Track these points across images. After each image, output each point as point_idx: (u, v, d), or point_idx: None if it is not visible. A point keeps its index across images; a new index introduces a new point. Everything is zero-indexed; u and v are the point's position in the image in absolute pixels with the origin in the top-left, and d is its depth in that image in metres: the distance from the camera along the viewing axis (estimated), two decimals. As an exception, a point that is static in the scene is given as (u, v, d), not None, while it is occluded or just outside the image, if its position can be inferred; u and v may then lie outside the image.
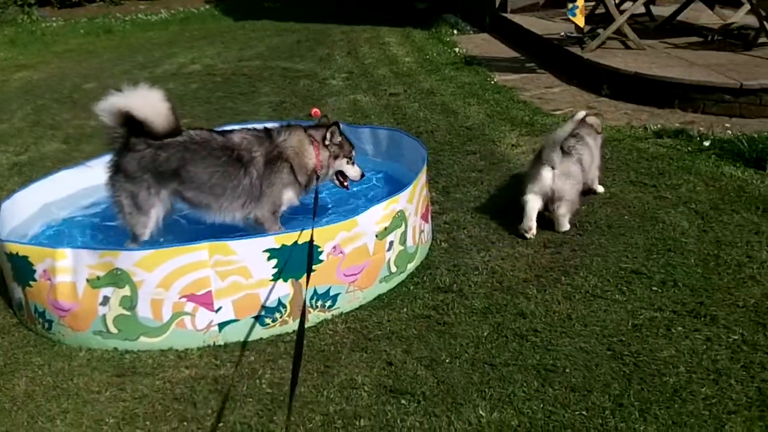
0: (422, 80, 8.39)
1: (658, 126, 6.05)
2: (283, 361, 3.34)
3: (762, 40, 7.39)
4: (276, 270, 3.50)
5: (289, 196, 4.08)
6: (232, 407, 3.06)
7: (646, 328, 3.42)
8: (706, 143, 5.56)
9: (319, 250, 3.55)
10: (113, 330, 3.51)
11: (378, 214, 3.75)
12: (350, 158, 4.28)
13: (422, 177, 4.18)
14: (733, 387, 3.02)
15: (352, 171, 4.30)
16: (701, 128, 5.90)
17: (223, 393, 3.16)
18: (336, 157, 4.18)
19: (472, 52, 9.57)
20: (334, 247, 3.59)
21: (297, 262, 3.49)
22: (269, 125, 4.35)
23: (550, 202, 4.29)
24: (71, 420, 3.06)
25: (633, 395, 2.98)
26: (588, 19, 8.57)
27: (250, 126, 4.40)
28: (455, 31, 11.18)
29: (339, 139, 4.17)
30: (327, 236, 3.57)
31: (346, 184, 4.34)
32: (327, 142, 4.14)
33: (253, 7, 16.87)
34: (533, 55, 9.11)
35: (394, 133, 5.13)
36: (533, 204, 4.28)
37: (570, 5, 7.54)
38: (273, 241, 3.51)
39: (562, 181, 4.24)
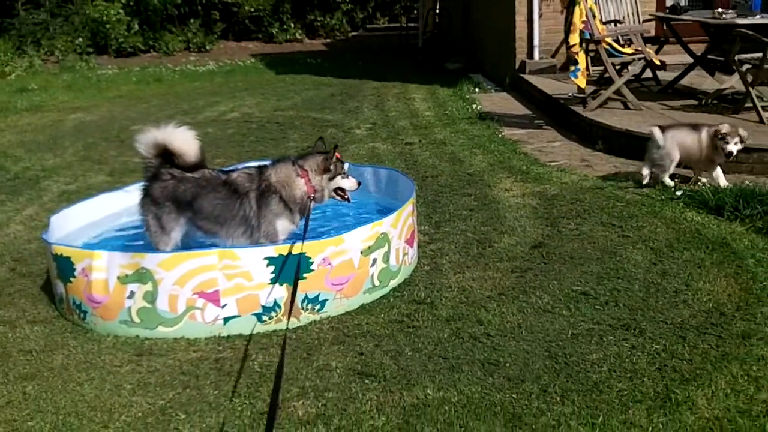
0: (437, 132, 9.14)
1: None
2: (273, 350, 4.01)
3: (748, 104, 7.97)
4: (273, 275, 4.20)
5: (284, 225, 4.64)
6: (227, 380, 3.73)
7: (582, 337, 4.02)
8: (678, 193, 6.16)
9: (310, 260, 4.24)
10: (136, 320, 4.22)
11: (364, 234, 4.44)
12: (344, 173, 4.81)
13: (408, 207, 4.86)
14: (645, 383, 3.59)
15: (349, 183, 4.81)
16: (677, 180, 6.48)
17: (222, 370, 3.83)
18: (332, 179, 4.74)
19: (488, 108, 10.31)
20: (324, 259, 4.28)
21: (291, 270, 4.17)
22: (265, 163, 4.97)
23: None
24: (96, 385, 3.75)
25: (558, 385, 3.58)
26: (595, 81, 9.30)
27: (250, 164, 5.12)
28: (477, 90, 11.95)
29: (333, 160, 4.74)
30: (318, 249, 4.26)
31: (346, 196, 4.84)
32: (330, 167, 4.71)
33: (295, 62, 17.92)
34: (543, 113, 9.81)
35: (392, 172, 5.84)
36: None
37: (572, 68, 8.25)
38: (272, 250, 4.21)
39: None
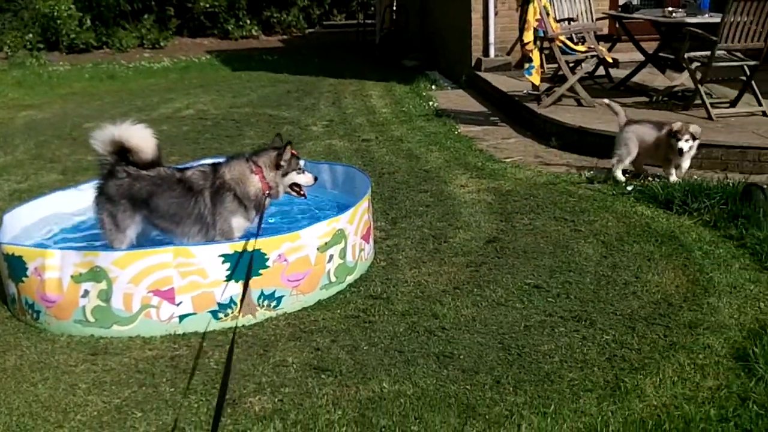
0: (394, 129, 9.19)
1: (592, 173, 6.78)
2: (229, 346, 4.01)
3: (697, 101, 8.16)
4: (229, 272, 4.20)
5: (239, 223, 4.63)
6: (183, 378, 3.73)
7: (535, 329, 4.10)
8: (629, 188, 6.30)
9: (265, 257, 4.25)
10: (91, 319, 4.18)
11: (320, 231, 4.47)
12: (300, 169, 4.78)
13: (364, 203, 4.89)
14: (595, 373, 3.69)
15: (305, 179, 4.79)
16: (627, 175, 6.62)
17: (178, 368, 3.83)
18: (286, 174, 4.70)
19: (444, 105, 10.39)
20: (279, 255, 4.29)
21: (246, 266, 4.18)
22: (219, 160, 4.93)
23: None
24: (50, 385, 3.71)
25: (511, 376, 3.65)
26: (549, 78, 9.43)
27: (205, 162, 5.10)
28: (434, 87, 12.03)
29: (288, 156, 4.71)
30: (273, 246, 4.27)
31: (302, 192, 4.81)
32: (282, 163, 4.67)
33: (251, 58, 17.80)
34: (498, 110, 9.92)
35: (348, 168, 5.87)
36: None
37: (527, 65, 8.37)
38: (227, 247, 4.21)
39: None
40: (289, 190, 4.79)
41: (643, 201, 6.00)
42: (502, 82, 10.57)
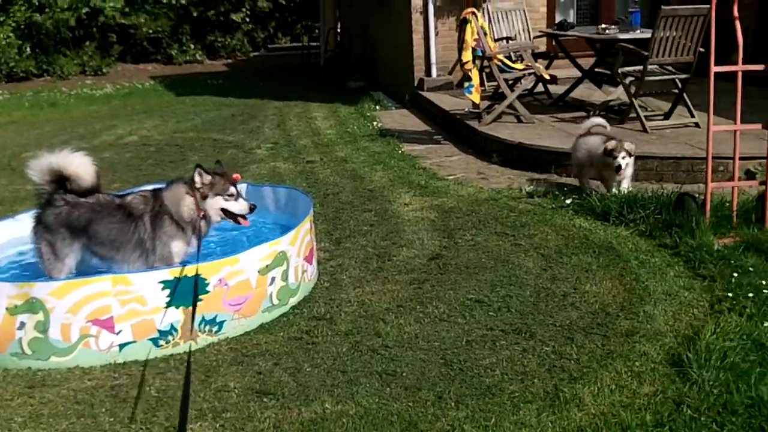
0: (339, 150, 9.23)
1: (532, 188, 6.90)
2: (170, 374, 3.98)
3: (632, 114, 8.38)
4: (169, 299, 4.17)
5: (179, 247, 4.59)
6: (123, 407, 3.69)
7: (476, 343, 4.15)
8: (568, 201, 6.43)
9: (205, 282, 4.22)
10: (28, 351, 4.10)
11: (261, 253, 4.46)
12: (228, 194, 4.65)
13: (305, 224, 4.90)
14: (535, 384, 3.74)
15: (236, 206, 4.67)
16: (566, 189, 6.75)
17: (118, 397, 3.78)
18: (205, 197, 4.60)
19: (388, 125, 10.48)
20: (220, 280, 4.28)
21: (186, 292, 4.15)
22: (160, 185, 4.89)
23: None
24: (-15, 420, 3.64)
25: (453, 391, 3.69)
26: (490, 96, 9.59)
27: (145, 188, 5.05)
28: (378, 107, 12.13)
29: (209, 179, 4.60)
30: (213, 270, 4.26)
31: (239, 220, 4.71)
32: (198, 186, 4.59)
33: (195, 83, 17.74)
34: (441, 128, 10.05)
35: (291, 190, 5.88)
36: None
37: (466, 84, 8.50)
38: (167, 274, 4.18)
39: None
40: (224, 216, 4.70)
41: (582, 213, 6.13)
42: (444, 101, 10.71)
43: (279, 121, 11.77)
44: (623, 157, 6.32)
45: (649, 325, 4.31)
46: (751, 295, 4.55)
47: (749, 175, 6.77)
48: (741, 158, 6.63)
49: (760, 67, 5.79)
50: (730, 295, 4.59)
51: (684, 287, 4.79)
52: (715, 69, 5.53)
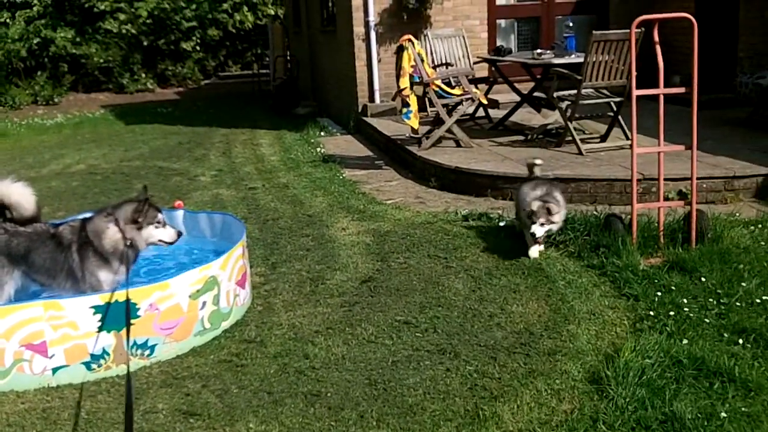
0: (281, 176, 9.32)
1: (468, 211, 7.06)
2: (101, 396, 4.02)
3: (568, 138, 8.62)
4: (100, 323, 4.20)
5: (106, 276, 4.58)
6: (53, 429, 3.72)
7: (401, 363, 4.25)
8: (501, 223, 6.59)
9: (136, 306, 4.27)
10: (-36, 377, 4.11)
11: (191, 278, 4.52)
12: (158, 222, 4.73)
13: (237, 249, 4.97)
14: (456, 403, 3.85)
15: (166, 234, 4.77)
16: (500, 212, 6.92)
17: (49, 419, 3.81)
18: (140, 229, 4.66)
19: (332, 151, 10.61)
20: (151, 305, 4.32)
21: (118, 316, 4.19)
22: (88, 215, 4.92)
23: None
24: None
25: (375, 410, 3.77)
26: (432, 122, 9.76)
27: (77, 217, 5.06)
28: (323, 133, 12.26)
29: (145, 210, 4.66)
30: (143, 295, 4.31)
31: (167, 244, 4.85)
32: (139, 219, 4.63)
33: (146, 112, 17.70)
34: (384, 153, 10.21)
35: (226, 216, 5.95)
36: None
37: (404, 110, 8.67)
38: (98, 299, 4.22)
39: None
40: (153, 242, 4.77)
41: (514, 236, 6.28)
42: (386, 126, 10.88)
43: (225, 149, 11.82)
44: (542, 224, 5.63)
45: (571, 344, 4.45)
46: (672, 313, 4.72)
47: (682, 196, 6.99)
48: (676, 179, 6.91)
49: (681, 90, 6.04)
50: (652, 313, 4.75)
51: (608, 306, 4.95)
52: (636, 93, 5.75)
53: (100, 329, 4.22)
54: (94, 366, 4.24)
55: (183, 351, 4.49)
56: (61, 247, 4.64)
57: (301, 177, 9.15)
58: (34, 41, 20.89)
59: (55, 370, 4.18)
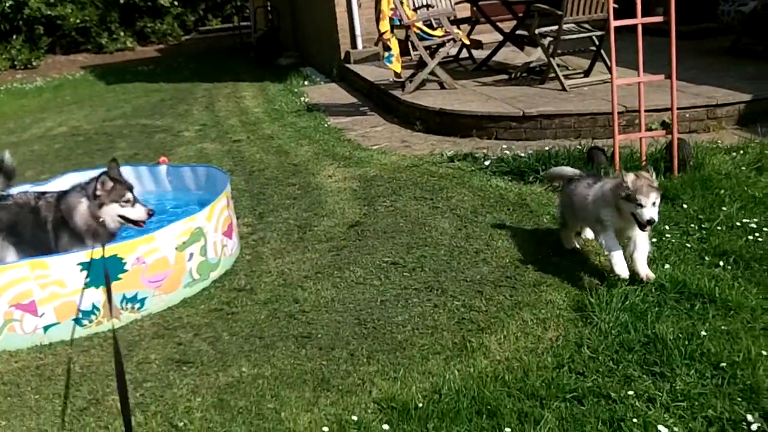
0: (265, 127, 9.30)
1: (453, 152, 7.07)
2: (94, 351, 4.08)
3: (552, 74, 8.59)
4: (88, 280, 4.23)
5: None
6: (48, 384, 3.78)
7: (390, 302, 4.31)
8: (486, 163, 6.61)
9: (123, 261, 4.30)
10: (-44, 339, 4.16)
11: (177, 230, 4.54)
12: (125, 200, 4.53)
13: (222, 200, 4.99)
14: (444, 337, 3.92)
15: (135, 213, 4.58)
16: (485, 151, 6.93)
17: (44, 375, 3.87)
18: (102, 205, 4.49)
19: (316, 100, 10.56)
20: (137, 258, 4.35)
21: (103, 273, 4.22)
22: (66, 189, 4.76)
23: None
24: None
25: (365, 348, 3.84)
26: (415, 65, 9.69)
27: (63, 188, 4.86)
28: (306, 83, 12.19)
29: (109, 185, 4.48)
30: (129, 249, 4.33)
31: (136, 223, 4.62)
32: (98, 193, 4.48)
33: (126, 71, 17.53)
34: (368, 99, 10.17)
35: (209, 169, 5.95)
36: None
37: (386, 54, 8.61)
38: (84, 256, 4.25)
39: None
40: (121, 220, 4.59)
41: (498, 174, 6.31)
42: (370, 72, 10.81)
43: (208, 103, 11.76)
44: (654, 203, 4.09)
45: (556, 274, 4.51)
46: (654, 240, 4.77)
47: (664, 126, 7.00)
48: (659, 110, 6.90)
49: (658, 18, 6.00)
50: (635, 241, 4.80)
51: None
52: (614, 23, 5.72)
53: (88, 285, 4.25)
54: (84, 322, 4.28)
55: (173, 302, 4.54)
56: (39, 223, 4.58)
57: (286, 127, 9.13)
58: (7, 4, 20.53)
59: (46, 328, 4.22)
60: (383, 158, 7.20)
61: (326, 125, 8.91)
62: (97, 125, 11.06)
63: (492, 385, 3.39)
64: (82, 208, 4.50)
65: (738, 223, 4.87)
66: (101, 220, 4.48)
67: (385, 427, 3.13)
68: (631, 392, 3.27)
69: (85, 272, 4.22)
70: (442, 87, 9.06)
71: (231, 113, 10.61)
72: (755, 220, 4.92)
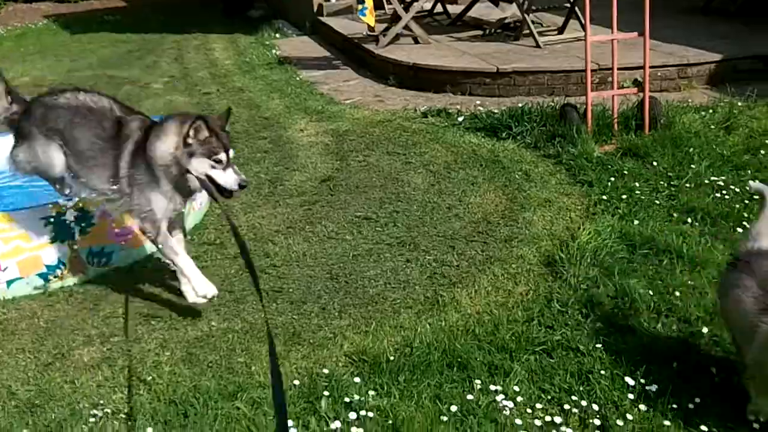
0: (236, 80, 9.15)
1: (427, 108, 7.01)
2: (59, 305, 4.01)
3: (526, 31, 8.53)
4: (53, 234, 4.15)
5: (158, 201, 3.76)
6: (12, 339, 3.72)
7: (362, 257, 4.30)
8: (460, 119, 6.58)
9: (90, 215, 4.22)
10: None
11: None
12: (217, 160, 3.65)
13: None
14: (416, 291, 3.93)
15: (222, 177, 3.65)
16: (458, 107, 6.89)
17: (7, 330, 3.80)
18: (192, 155, 3.63)
19: (287, 53, 10.40)
20: (104, 212, 4.27)
21: (68, 227, 4.15)
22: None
23: None
24: None
25: (337, 302, 3.84)
26: (390, 19, 9.56)
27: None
28: (278, 35, 11.98)
29: (203, 135, 3.62)
30: (95, 203, 4.24)
31: (222, 191, 3.71)
32: (189, 141, 3.62)
33: (92, 20, 17.05)
34: (341, 53, 10.04)
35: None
36: None
37: (360, 6, 8.48)
38: (48, 210, 4.15)
39: None
40: (204, 180, 3.67)
41: (472, 130, 6.29)
42: (343, 25, 10.65)
43: (177, 55, 11.51)
44: None
45: (527, 230, 4.53)
46: (624, 197, 4.82)
47: (636, 84, 6.99)
48: (632, 68, 6.88)
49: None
50: (605, 198, 4.84)
51: (564, 193, 5.03)
52: (588, -19, 5.68)
53: (54, 240, 4.17)
54: (50, 277, 4.21)
55: (141, 257, 4.47)
56: (115, 136, 3.82)
57: (257, 80, 8.99)
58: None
59: (9, 282, 4.14)
60: (356, 113, 7.13)
61: (298, 79, 8.79)
62: (62, 76, 10.77)
63: (463, 339, 3.42)
64: (168, 145, 3.66)
65: (706, 181, 4.92)
66: (185, 171, 3.66)
67: (357, 380, 3.14)
68: (599, 345, 3.31)
69: (49, 227, 4.14)
70: (416, 42, 8.96)
71: (200, 65, 10.42)
72: (723, 177, 4.97)
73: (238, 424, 2.94)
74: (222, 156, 3.62)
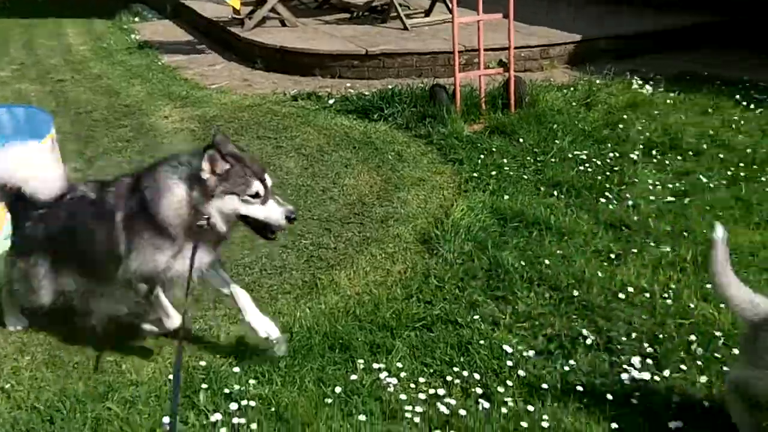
0: (93, 66, 8.70)
1: (296, 91, 6.91)
2: None
3: (393, 13, 8.56)
4: None
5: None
6: None
7: (235, 244, 4.09)
8: (330, 101, 6.52)
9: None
10: None
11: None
12: (252, 194, 2.91)
13: (47, 143, 4.60)
14: (294, 275, 3.85)
15: (263, 211, 2.94)
16: (328, 90, 6.83)
17: None
18: (210, 196, 2.89)
19: (148, 37, 10.00)
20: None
21: None
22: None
23: None
24: None
25: (211, 292, 3.69)
26: (255, 2, 9.35)
27: None
28: (137, 19, 11.52)
29: (223, 167, 2.87)
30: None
31: (267, 229, 3.02)
32: (204, 177, 2.87)
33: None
34: (205, 37, 9.76)
35: (29, 109, 5.47)
36: None
37: (224, -11, 8.25)
38: None
39: None
40: (243, 221, 2.99)
41: (343, 113, 6.25)
42: (207, 8, 10.36)
43: (26, 41, 10.83)
44: None
45: (402, 209, 4.54)
46: (494, 173, 4.91)
47: (501, 64, 7.14)
48: (497, 49, 7.02)
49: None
50: (476, 175, 4.93)
51: (436, 172, 5.07)
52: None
53: None
54: None
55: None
56: (102, 220, 3.08)
57: (115, 66, 8.58)
58: None
59: None
60: (223, 97, 6.94)
61: (160, 63, 8.46)
62: None
63: (343, 320, 3.38)
64: (175, 194, 2.93)
65: (569, 155, 5.10)
66: (206, 218, 2.92)
67: (236, 369, 3.04)
68: (477, 317, 3.36)
69: None
70: (284, 24, 8.83)
71: (53, 51, 9.83)
72: (585, 152, 5.17)
73: (110, 426, 2.78)
74: (256, 187, 2.92)
